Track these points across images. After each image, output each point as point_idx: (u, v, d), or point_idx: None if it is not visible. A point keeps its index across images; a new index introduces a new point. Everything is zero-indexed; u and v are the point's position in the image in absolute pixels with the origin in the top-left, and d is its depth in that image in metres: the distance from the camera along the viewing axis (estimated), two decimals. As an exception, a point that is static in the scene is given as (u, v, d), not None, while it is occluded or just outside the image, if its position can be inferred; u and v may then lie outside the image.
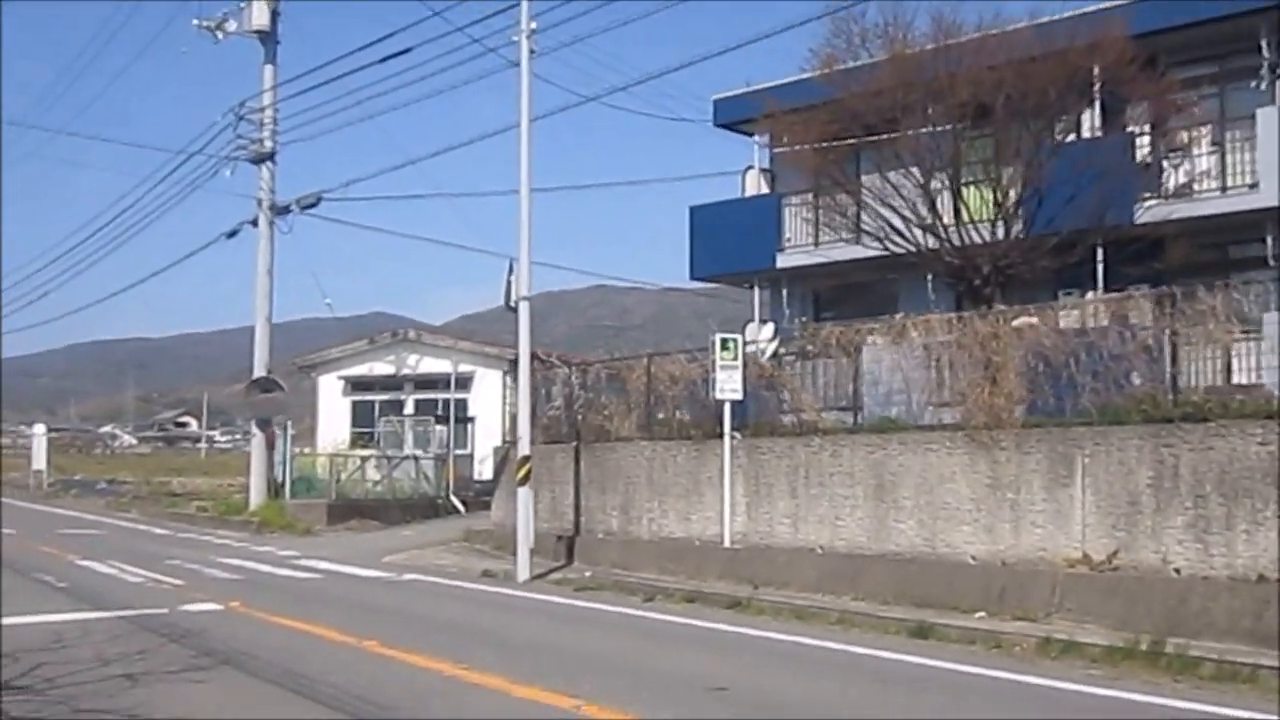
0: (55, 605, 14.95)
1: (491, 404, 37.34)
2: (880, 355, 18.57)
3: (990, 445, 15.67)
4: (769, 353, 23.36)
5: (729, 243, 28.07)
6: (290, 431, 32.15)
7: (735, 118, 28.56)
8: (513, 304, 19.87)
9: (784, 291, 28.34)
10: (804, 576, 17.11)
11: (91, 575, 19.01)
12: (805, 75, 23.59)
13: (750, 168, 29.03)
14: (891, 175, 22.31)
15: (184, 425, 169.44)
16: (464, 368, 37.79)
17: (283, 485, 31.33)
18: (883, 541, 16.86)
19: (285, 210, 30.75)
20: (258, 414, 31.05)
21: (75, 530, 29.38)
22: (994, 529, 15.56)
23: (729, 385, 19.10)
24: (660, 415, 21.61)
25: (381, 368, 40.31)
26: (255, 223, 31.25)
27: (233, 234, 32.20)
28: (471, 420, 36.29)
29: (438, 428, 35.35)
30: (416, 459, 33.70)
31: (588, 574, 19.01)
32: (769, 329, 27.59)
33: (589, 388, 23.90)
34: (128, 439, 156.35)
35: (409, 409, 39.27)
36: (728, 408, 19.13)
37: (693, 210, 29.21)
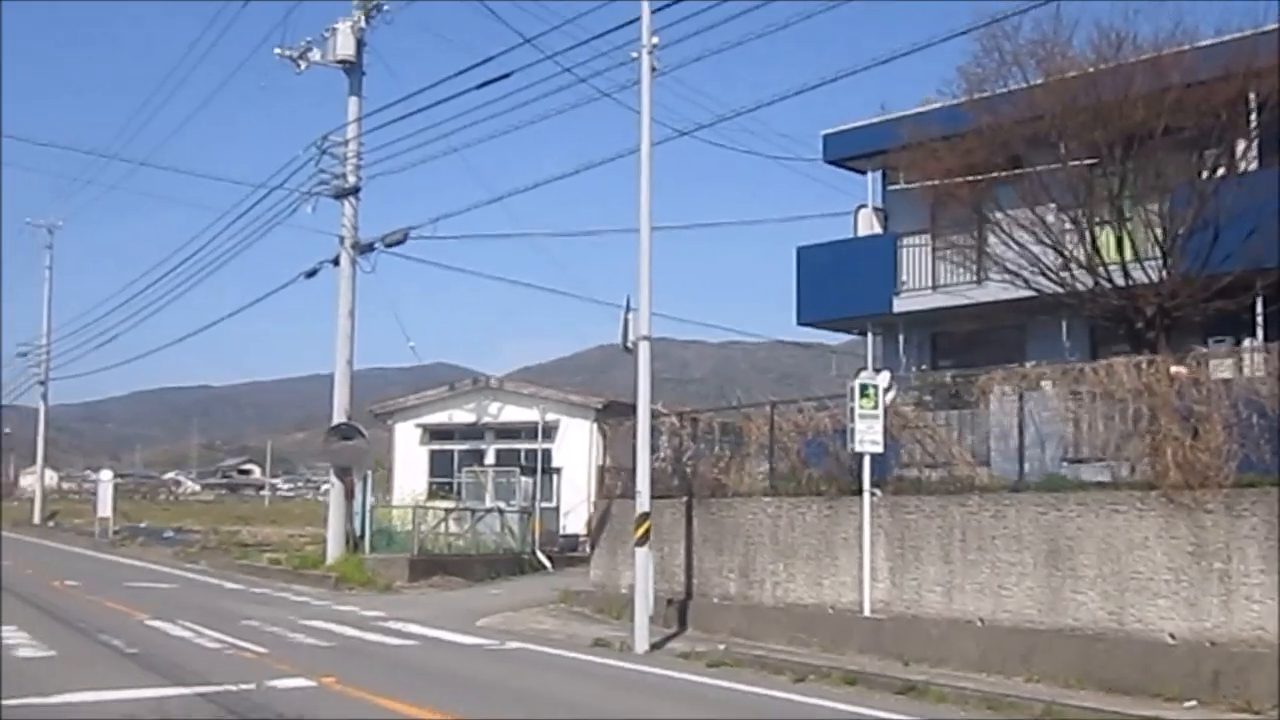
0: (125, 678, 13.15)
1: (577, 455, 35.49)
2: (1041, 403, 16.61)
3: (1193, 507, 13.64)
4: (886, 402, 21.49)
5: (839, 286, 26.27)
6: (370, 481, 30.44)
7: (847, 153, 26.81)
8: (630, 344, 18.09)
9: (900, 337, 26.40)
10: (963, 653, 15.19)
11: (163, 639, 17.20)
12: (940, 103, 21.65)
13: (863, 206, 27.20)
14: (1033, 210, 20.36)
15: (247, 473, 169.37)
16: (549, 416, 36.00)
17: (361, 538, 29.60)
18: (1058, 615, 14.81)
19: (369, 248, 29.17)
20: (337, 462, 29.35)
21: (142, 583, 27.74)
22: (1198, 603, 13.50)
23: (869, 436, 17.25)
24: (784, 468, 19.70)
25: (461, 416, 38.61)
26: (336, 261, 29.70)
27: (312, 273, 30.72)
28: (557, 472, 34.44)
29: (523, 479, 33.46)
30: (501, 512, 31.81)
31: (721, 646, 17.01)
32: (884, 377, 25.64)
33: (699, 438, 22.04)
34: (191, 485, 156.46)
35: (490, 459, 37.50)
36: (867, 461, 17.29)
37: (800, 251, 27.41)
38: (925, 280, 25.38)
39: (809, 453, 19.48)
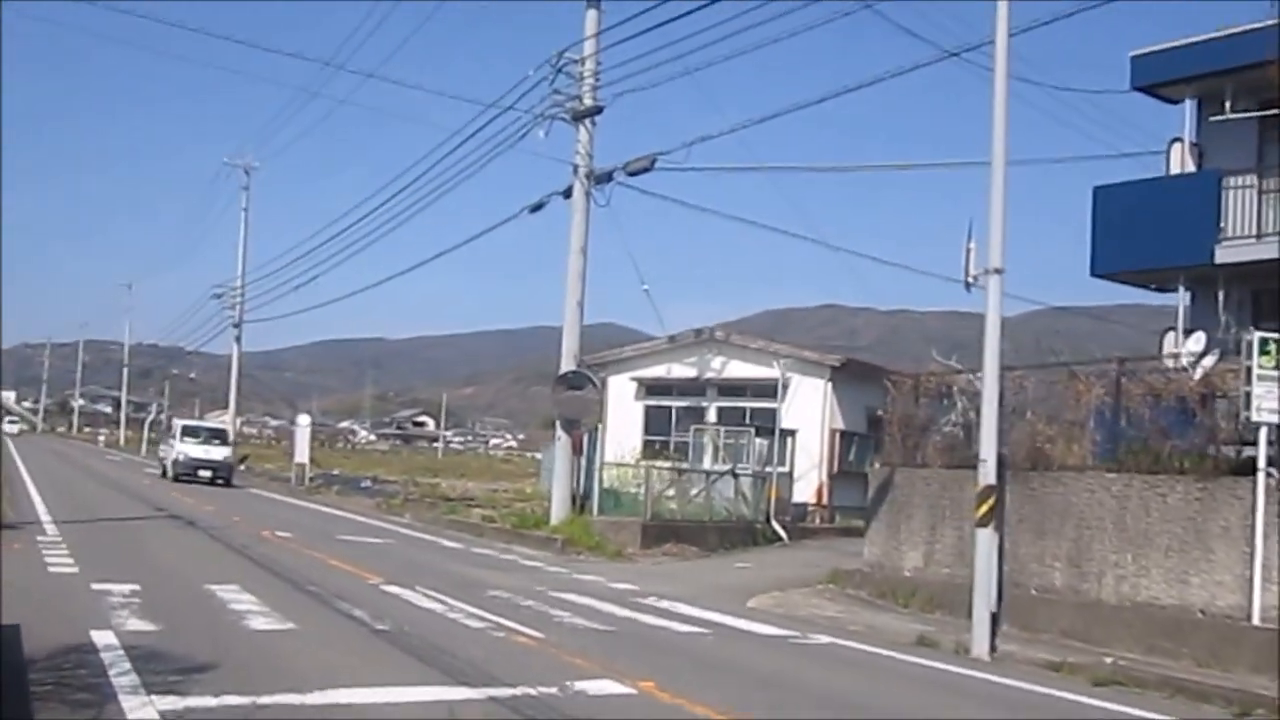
0: (387, 667, 10.65)
1: (809, 417, 32.49)
2: None
3: None
4: (1201, 369, 18.03)
5: (1147, 232, 22.71)
6: (600, 437, 27.83)
7: (1161, 78, 23.14)
8: (973, 277, 14.99)
9: (1219, 294, 22.72)
10: None
11: (409, 610, 14.59)
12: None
13: (1177, 139, 23.51)
14: None
15: (421, 424, 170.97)
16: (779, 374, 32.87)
17: (587, 498, 27.04)
18: None
19: (607, 177, 26.34)
20: (565, 414, 26.69)
21: (354, 537, 25.58)
22: None
23: (1268, 403, 13.92)
24: (1132, 438, 16.43)
25: (680, 370, 35.76)
26: (568, 193, 26.98)
27: (537, 207, 28.12)
28: (792, 434, 31.38)
29: (757, 440, 30.48)
30: (735, 476, 28.91)
31: (1108, 660, 13.87)
32: (1197, 339, 22.05)
33: (1005, 400, 18.81)
34: (366, 435, 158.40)
35: (711, 417, 34.63)
36: (1263, 434, 14.01)
37: (1097, 192, 23.84)
38: (1249, 228, 21.76)
39: (1166, 421, 16.20)
